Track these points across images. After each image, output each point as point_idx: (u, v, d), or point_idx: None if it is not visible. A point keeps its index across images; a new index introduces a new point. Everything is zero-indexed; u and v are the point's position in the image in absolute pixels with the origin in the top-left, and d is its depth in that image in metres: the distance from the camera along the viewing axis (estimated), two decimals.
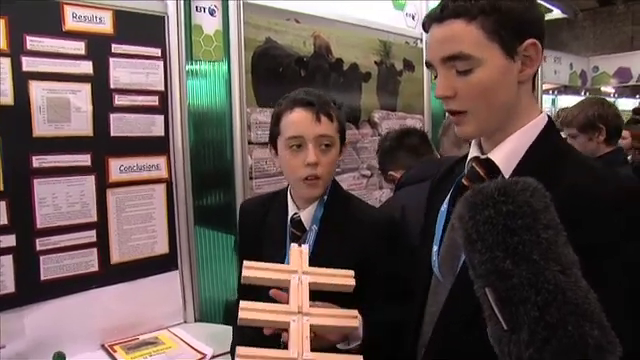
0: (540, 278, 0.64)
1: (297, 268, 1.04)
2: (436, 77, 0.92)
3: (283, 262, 1.29)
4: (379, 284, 1.22)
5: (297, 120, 1.26)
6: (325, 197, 1.34)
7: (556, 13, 4.22)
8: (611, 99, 7.57)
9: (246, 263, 1.05)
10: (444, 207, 1.00)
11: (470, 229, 0.70)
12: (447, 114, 0.97)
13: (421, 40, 2.99)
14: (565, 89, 9.04)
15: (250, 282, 1.05)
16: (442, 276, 0.96)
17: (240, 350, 0.93)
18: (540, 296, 0.63)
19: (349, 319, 1.01)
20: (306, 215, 1.33)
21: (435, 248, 0.98)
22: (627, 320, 0.69)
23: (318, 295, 1.05)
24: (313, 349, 0.99)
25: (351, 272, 1.03)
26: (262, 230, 1.39)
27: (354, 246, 1.27)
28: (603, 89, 9.28)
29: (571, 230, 0.68)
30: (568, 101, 9.39)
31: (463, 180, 0.96)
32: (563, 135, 2.46)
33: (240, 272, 1.04)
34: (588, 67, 8.91)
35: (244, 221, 1.48)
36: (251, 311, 0.99)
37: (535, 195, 0.69)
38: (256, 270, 1.04)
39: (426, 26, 0.92)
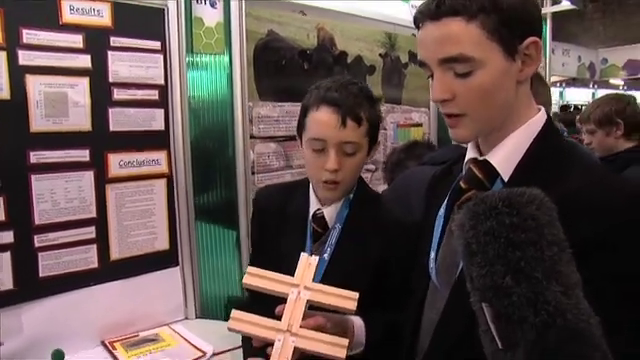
0: (540, 298, 0.61)
1: (299, 282, 1.00)
2: (430, 76, 0.87)
3: None
4: (397, 289, 1.17)
5: (320, 121, 1.19)
6: (351, 196, 1.28)
7: (565, 4, 4.14)
8: (619, 92, 7.48)
9: (250, 269, 1.02)
10: (442, 211, 0.96)
11: (470, 239, 0.67)
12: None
13: None
14: (573, 81, 8.96)
15: (250, 289, 1.02)
16: (439, 284, 0.93)
17: None
18: (539, 318, 0.60)
19: (338, 348, 0.95)
20: (330, 213, 1.27)
21: (432, 254, 0.95)
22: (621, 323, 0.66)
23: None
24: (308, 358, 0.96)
25: (355, 294, 0.97)
26: (281, 222, 1.33)
27: (377, 248, 1.22)
28: (612, 81, 9.18)
29: (572, 235, 0.65)
30: (576, 94, 9.33)
31: (461, 183, 0.93)
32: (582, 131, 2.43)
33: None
34: (597, 59, 8.80)
35: (262, 208, 1.41)
36: (240, 322, 0.97)
37: (541, 208, 0.65)
38: (258, 278, 1.01)
39: (418, 22, 0.85)
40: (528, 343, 0.60)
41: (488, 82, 0.81)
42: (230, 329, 0.98)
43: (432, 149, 1.98)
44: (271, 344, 0.95)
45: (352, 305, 0.97)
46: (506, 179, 0.85)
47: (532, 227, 0.64)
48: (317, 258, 1.04)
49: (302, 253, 1.05)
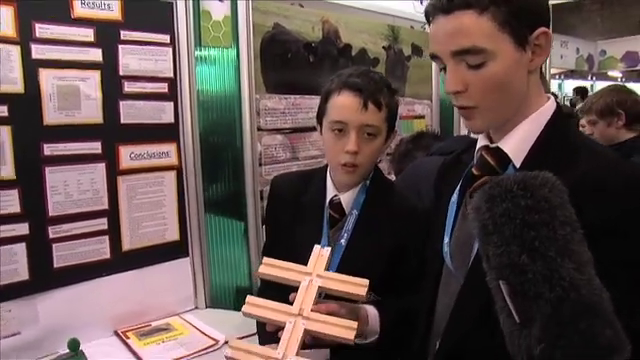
0: (555, 275, 0.64)
1: (312, 270, 1.04)
2: (442, 69, 0.90)
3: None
4: (411, 275, 1.20)
5: (343, 105, 1.23)
6: (367, 182, 1.32)
7: None
8: (618, 83, 7.49)
9: (265, 260, 1.06)
10: (454, 198, 0.99)
11: (487, 221, 0.70)
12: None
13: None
14: (572, 73, 8.98)
15: (264, 278, 1.06)
16: (454, 268, 0.96)
17: (232, 342, 0.97)
18: (554, 293, 0.63)
19: (346, 330, 0.98)
20: (347, 199, 1.31)
21: (446, 239, 0.98)
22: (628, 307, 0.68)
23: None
24: (321, 345, 0.99)
25: (366, 281, 1.01)
26: (297, 209, 1.36)
27: (392, 235, 1.26)
28: (610, 73, 9.21)
29: (582, 218, 0.68)
30: (575, 86, 9.35)
31: (473, 170, 0.96)
32: (583, 122, 2.47)
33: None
34: (595, 51, 8.84)
35: (278, 196, 1.44)
36: (255, 306, 1.01)
37: (554, 191, 0.68)
38: (272, 268, 1.05)
39: (430, 16, 0.88)
40: (544, 317, 0.63)
41: (500, 73, 0.84)
42: (244, 313, 1.02)
43: (439, 139, 2.01)
44: (283, 328, 0.98)
45: (362, 291, 1.00)
46: (518, 165, 0.88)
47: (545, 208, 0.67)
48: (329, 249, 1.08)
49: (315, 245, 1.09)
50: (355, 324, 0.98)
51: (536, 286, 0.64)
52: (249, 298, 1.02)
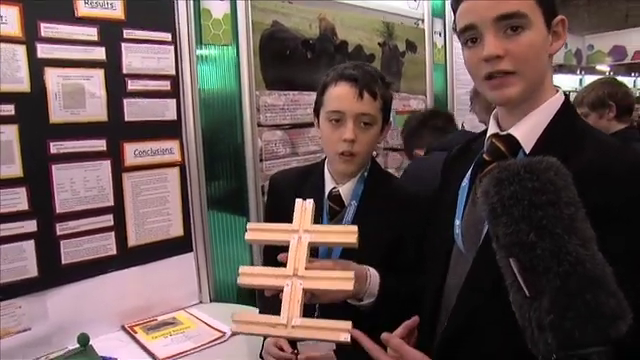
0: (562, 250, 0.67)
1: (298, 227, 1.02)
2: (467, 42, 0.93)
3: None
4: (410, 264, 1.22)
5: (339, 95, 1.27)
6: (365, 173, 1.34)
7: None
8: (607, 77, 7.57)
9: (249, 225, 1.06)
10: (465, 182, 1.03)
11: (495, 204, 0.73)
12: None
13: (423, 21, 3.01)
14: (560, 68, 9.05)
15: (253, 243, 1.06)
16: (465, 249, 0.99)
17: (235, 316, 0.96)
18: (562, 267, 0.67)
19: (344, 281, 0.97)
20: (345, 190, 1.33)
21: (457, 222, 1.01)
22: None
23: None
24: (317, 305, 0.99)
25: (354, 228, 1.00)
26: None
27: (393, 224, 1.28)
28: (598, 67, 9.29)
29: (588, 202, 0.71)
30: (563, 80, 9.45)
31: (484, 156, 0.99)
32: None
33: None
34: (583, 46, 8.93)
35: (277, 193, 1.46)
36: (249, 276, 1.01)
37: (558, 174, 0.72)
38: (258, 232, 1.05)
39: None
40: (553, 290, 0.67)
41: (535, 42, 0.89)
42: (240, 285, 1.00)
43: (450, 120, 2.06)
44: (282, 291, 0.97)
45: (353, 238, 0.99)
46: (528, 151, 0.92)
47: (551, 190, 0.71)
48: (311, 201, 1.07)
49: (297, 199, 1.07)
50: (352, 273, 0.98)
51: (544, 261, 0.68)
52: (242, 269, 1.01)
